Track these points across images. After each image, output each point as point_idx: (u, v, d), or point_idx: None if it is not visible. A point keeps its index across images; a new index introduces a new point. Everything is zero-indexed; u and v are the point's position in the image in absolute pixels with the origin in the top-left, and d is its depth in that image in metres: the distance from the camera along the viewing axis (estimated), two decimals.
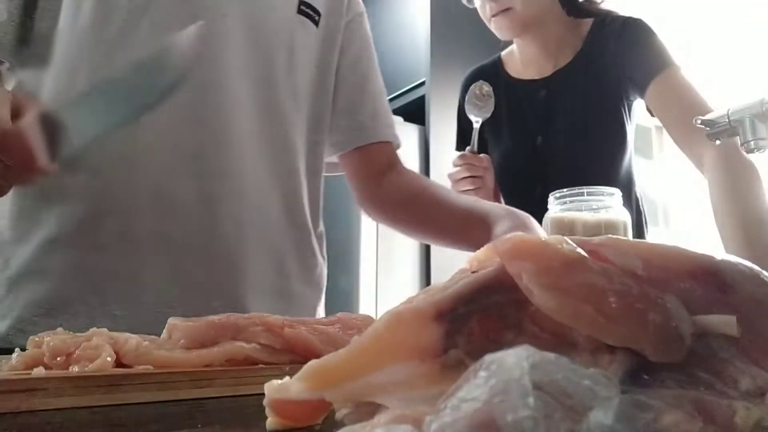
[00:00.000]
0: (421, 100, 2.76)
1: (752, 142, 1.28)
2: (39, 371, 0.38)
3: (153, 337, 0.45)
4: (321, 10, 0.86)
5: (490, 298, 0.22)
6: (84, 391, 0.35)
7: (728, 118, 1.31)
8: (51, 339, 0.40)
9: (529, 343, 0.18)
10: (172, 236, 0.68)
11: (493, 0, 1.12)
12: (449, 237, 0.90)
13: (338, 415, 0.24)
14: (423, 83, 2.78)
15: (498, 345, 0.20)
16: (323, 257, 0.87)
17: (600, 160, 1.09)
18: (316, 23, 0.86)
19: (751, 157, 1.34)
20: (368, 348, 0.22)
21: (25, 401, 0.33)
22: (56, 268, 0.65)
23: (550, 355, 0.16)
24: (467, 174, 1.10)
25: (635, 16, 1.17)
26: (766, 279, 0.23)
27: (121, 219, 0.67)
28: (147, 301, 0.66)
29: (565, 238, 0.22)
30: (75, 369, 0.38)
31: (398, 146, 0.95)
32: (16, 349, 0.41)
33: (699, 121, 1.37)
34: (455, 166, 1.12)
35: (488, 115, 1.09)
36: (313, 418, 0.27)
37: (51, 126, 0.49)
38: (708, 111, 1.02)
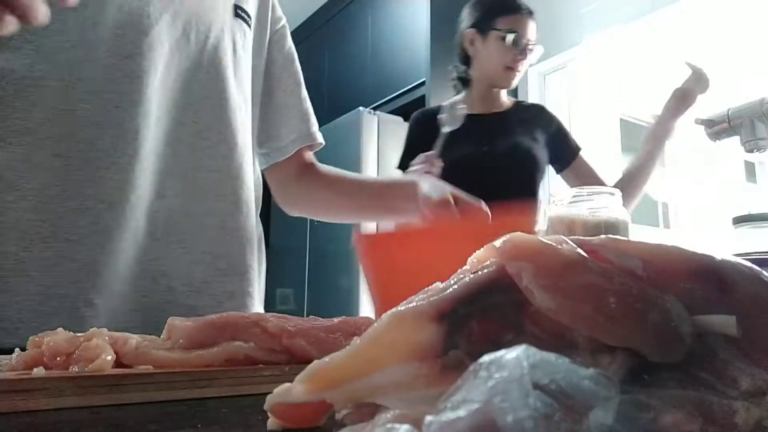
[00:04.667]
0: (421, 100, 2.76)
1: (752, 142, 1.28)
2: (39, 371, 0.38)
3: (153, 337, 0.45)
4: (252, 16, 0.90)
5: (490, 299, 0.22)
6: (84, 391, 0.35)
7: (728, 118, 1.31)
8: (51, 339, 0.40)
9: (530, 343, 0.18)
10: (139, 228, 0.71)
11: (523, 60, 1.46)
12: (375, 208, 0.98)
13: (338, 416, 0.24)
14: (423, 83, 2.78)
15: (498, 345, 0.20)
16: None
17: (527, 174, 1.47)
18: (250, 26, 0.89)
19: (751, 156, 1.34)
20: (368, 349, 0.22)
21: (25, 401, 0.33)
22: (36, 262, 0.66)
23: (550, 355, 0.16)
24: (427, 170, 1.26)
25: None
26: (765, 279, 0.23)
27: (94, 213, 0.68)
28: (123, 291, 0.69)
29: (565, 238, 0.22)
30: (75, 369, 0.38)
31: (320, 145, 0.99)
32: (16, 349, 0.41)
33: (699, 121, 1.37)
34: (414, 165, 1.28)
35: (458, 125, 1.29)
36: (315, 419, 0.27)
37: None
38: (601, 184, 1.48)
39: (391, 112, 2.96)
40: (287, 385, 0.24)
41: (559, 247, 0.21)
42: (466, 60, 1.55)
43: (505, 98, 1.58)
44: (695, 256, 0.23)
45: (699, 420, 0.17)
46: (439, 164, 1.24)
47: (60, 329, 0.42)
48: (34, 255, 0.66)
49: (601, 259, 0.22)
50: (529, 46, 1.45)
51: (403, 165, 1.51)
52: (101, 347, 0.40)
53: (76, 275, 0.67)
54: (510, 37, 1.44)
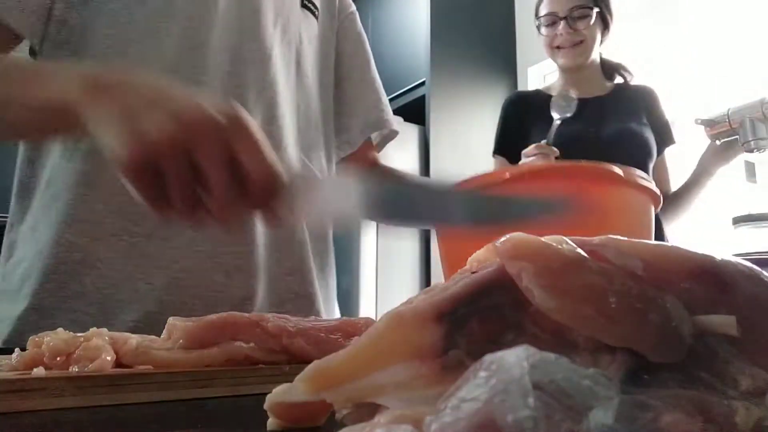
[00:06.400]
0: (421, 100, 2.76)
1: (752, 142, 1.28)
2: (39, 371, 0.38)
3: (153, 337, 0.45)
4: (318, 6, 0.88)
5: (490, 299, 0.22)
6: (84, 391, 0.35)
7: (728, 118, 1.31)
8: (51, 339, 0.40)
9: (530, 343, 0.18)
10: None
11: (569, 33, 1.42)
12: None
13: (338, 416, 0.24)
14: (423, 83, 2.78)
15: (498, 345, 0.20)
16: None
17: (636, 161, 1.34)
18: (317, 18, 0.87)
19: (751, 156, 1.34)
20: (368, 349, 0.21)
21: (25, 401, 0.33)
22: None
23: (550, 356, 0.16)
24: (542, 160, 1.23)
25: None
26: (766, 279, 0.23)
27: None
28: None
29: (565, 238, 0.22)
30: (75, 369, 0.38)
31: (393, 133, 0.96)
32: (16, 349, 0.41)
33: (699, 121, 1.37)
34: (528, 156, 1.23)
35: (570, 114, 1.29)
36: (315, 419, 0.27)
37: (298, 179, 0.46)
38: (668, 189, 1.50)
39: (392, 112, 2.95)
40: (287, 384, 0.24)
41: (559, 246, 0.21)
42: None
43: (602, 80, 1.52)
44: (695, 256, 0.23)
45: (699, 420, 0.17)
46: (554, 153, 1.21)
47: (60, 329, 0.42)
48: (101, 247, 0.66)
49: (601, 258, 0.22)
50: (569, 18, 1.41)
51: (502, 149, 1.50)
52: (101, 347, 0.40)
53: (144, 270, 0.66)
54: (537, 22, 1.47)
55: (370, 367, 0.21)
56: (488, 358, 0.16)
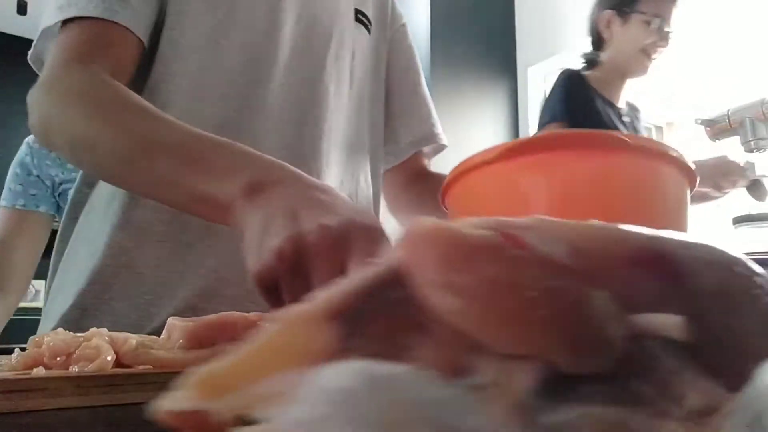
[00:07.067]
0: None
1: (752, 142, 1.28)
2: (39, 371, 0.38)
3: (153, 337, 0.45)
4: (372, 20, 0.88)
5: (391, 294, 0.19)
6: (84, 391, 0.35)
7: (728, 118, 1.31)
8: (51, 339, 0.40)
9: (435, 345, 0.16)
10: None
11: (666, 46, 1.40)
12: None
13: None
14: None
15: (401, 348, 0.18)
16: None
17: None
18: (369, 31, 0.87)
19: (751, 156, 1.34)
20: (255, 354, 0.19)
21: (25, 401, 0.33)
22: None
23: (393, 370, 0.14)
24: None
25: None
26: (737, 266, 0.19)
27: None
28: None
29: (492, 219, 0.18)
30: (75, 369, 0.38)
31: (442, 147, 0.96)
32: (16, 349, 0.41)
33: (699, 121, 1.37)
34: None
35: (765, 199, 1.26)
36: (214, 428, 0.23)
37: None
38: None
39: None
40: (177, 392, 0.21)
41: (467, 231, 0.18)
42: (599, 43, 1.45)
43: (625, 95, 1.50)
44: (638, 238, 0.18)
45: None
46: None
47: (60, 329, 0.42)
48: (146, 252, 0.66)
49: (520, 245, 0.18)
50: (671, 34, 1.36)
51: (565, 118, 1.39)
52: (101, 347, 0.40)
53: (184, 276, 0.67)
54: (656, 22, 1.36)
55: (257, 374, 0.18)
56: (322, 372, 0.14)
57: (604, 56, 1.44)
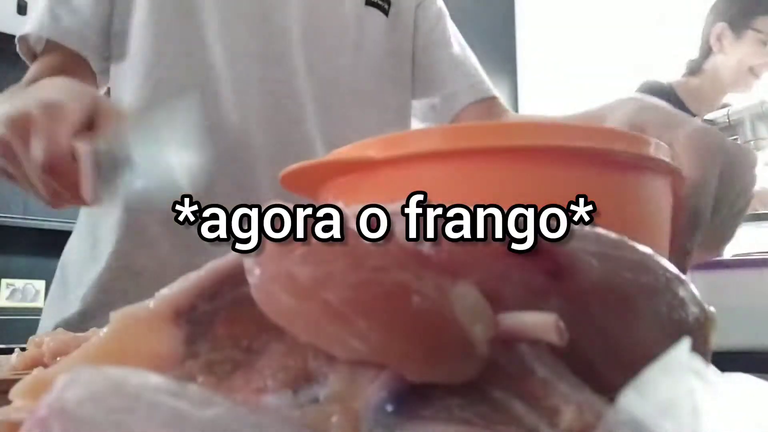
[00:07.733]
0: None
1: (752, 142, 1.28)
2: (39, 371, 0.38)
3: None
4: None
5: (236, 292, 0.17)
6: None
7: (728, 118, 1.31)
8: (51, 339, 0.40)
9: (286, 349, 0.15)
10: None
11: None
12: None
13: None
14: None
15: (250, 352, 0.16)
16: None
17: None
18: (386, 12, 0.85)
19: None
20: (93, 358, 0.17)
21: None
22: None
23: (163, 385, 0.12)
24: None
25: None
26: (630, 255, 0.17)
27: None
28: None
29: (388, 207, 0.16)
30: None
31: (489, 95, 0.92)
32: (16, 349, 0.41)
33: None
34: None
35: None
36: None
37: (113, 160, 0.45)
38: None
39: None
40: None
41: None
42: (706, 52, 1.41)
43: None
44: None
45: None
46: None
47: (60, 329, 0.42)
48: (146, 255, 0.67)
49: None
50: None
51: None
52: None
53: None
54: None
55: None
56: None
57: (708, 65, 1.41)
